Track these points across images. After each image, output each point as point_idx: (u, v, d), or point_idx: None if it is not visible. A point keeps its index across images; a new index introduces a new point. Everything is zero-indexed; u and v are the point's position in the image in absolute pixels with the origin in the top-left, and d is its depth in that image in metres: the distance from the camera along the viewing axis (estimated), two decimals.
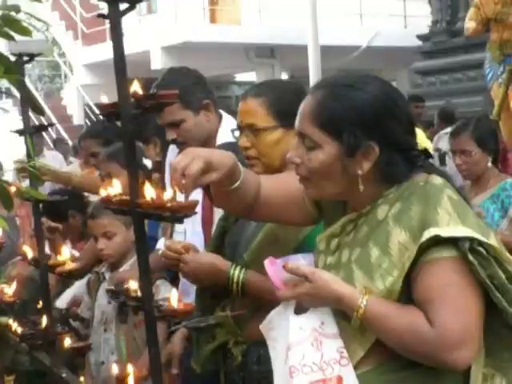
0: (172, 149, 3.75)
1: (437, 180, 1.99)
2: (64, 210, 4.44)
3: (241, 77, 20.02)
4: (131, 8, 1.93)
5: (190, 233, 3.40)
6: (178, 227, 3.53)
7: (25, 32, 2.05)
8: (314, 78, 12.38)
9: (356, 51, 16.07)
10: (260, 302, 2.61)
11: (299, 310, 2.07)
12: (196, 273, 2.73)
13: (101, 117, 2.26)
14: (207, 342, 2.85)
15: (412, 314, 1.91)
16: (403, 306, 1.93)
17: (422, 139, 1.97)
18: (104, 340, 3.62)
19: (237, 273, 2.66)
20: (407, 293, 1.94)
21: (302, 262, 2.05)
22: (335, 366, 1.98)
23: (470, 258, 1.87)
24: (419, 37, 12.17)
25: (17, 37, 2.15)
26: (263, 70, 17.09)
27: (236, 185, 2.18)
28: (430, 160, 2.14)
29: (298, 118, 2.08)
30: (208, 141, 3.38)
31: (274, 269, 2.05)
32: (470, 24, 7.64)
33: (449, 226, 1.88)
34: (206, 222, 3.32)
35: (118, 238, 3.62)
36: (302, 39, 12.64)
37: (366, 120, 1.98)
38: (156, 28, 15.42)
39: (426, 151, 2.13)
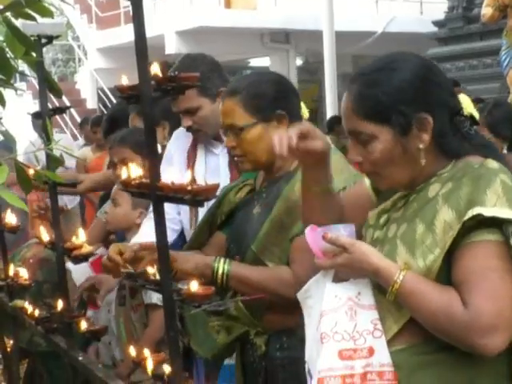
0: (176, 136, 3.72)
1: (492, 164, 1.98)
2: None
3: (255, 62, 19.96)
4: None
5: None
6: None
7: (46, 13, 2.04)
8: (328, 63, 12.34)
9: (371, 37, 15.99)
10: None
11: (337, 279, 2.06)
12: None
13: (114, 100, 2.25)
14: (226, 334, 2.84)
15: (448, 294, 1.90)
16: (440, 285, 1.92)
17: (467, 104, 1.96)
18: (109, 321, 3.65)
19: (221, 265, 2.65)
20: (448, 273, 1.93)
21: (342, 232, 2.04)
22: (368, 337, 1.99)
23: None
24: (435, 23, 12.09)
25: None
26: (278, 56, 17.04)
27: (330, 184, 2.23)
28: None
29: (342, 119, 2.08)
30: None
31: (314, 236, 2.05)
32: (486, 10, 7.61)
33: (494, 207, 1.87)
34: None
35: (120, 209, 3.70)
36: (317, 24, 12.61)
37: (408, 96, 1.99)
38: (171, 12, 15.37)
39: (472, 117, 2.12)
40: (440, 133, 2.00)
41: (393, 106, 1.98)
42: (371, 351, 1.98)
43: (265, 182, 2.82)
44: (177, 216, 3.58)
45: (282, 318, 2.63)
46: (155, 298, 3.38)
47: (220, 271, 2.65)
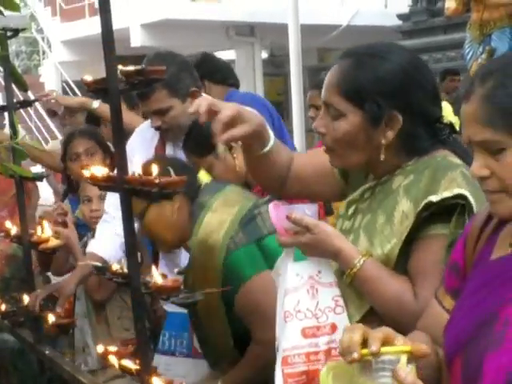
0: (138, 132, 3.72)
1: (456, 159, 2.00)
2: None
3: (220, 55, 19.91)
4: None
5: None
6: None
7: (14, 8, 2.03)
8: (293, 56, 12.34)
9: (336, 30, 16.03)
10: None
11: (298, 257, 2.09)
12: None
13: (79, 94, 2.24)
14: None
15: (401, 283, 1.94)
16: (397, 274, 1.96)
17: (448, 113, 1.96)
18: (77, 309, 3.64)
19: None
20: (405, 264, 1.96)
21: (306, 212, 2.06)
22: (329, 314, 2.00)
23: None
24: (399, 16, 12.17)
25: None
26: (243, 49, 17.02)
27: (267, 148, 2.19)
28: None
29: (323, 87, 2.08)
30: None
31: (278, 214, 2.06)
32: (450, 4, 7.63)
33: (445, 191, 1.89)
34: None
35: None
36: (283, 18, 12.57)
37: (390, 89, 1.99)
38: (136, 5, 15.28)
39: (451, 125, 2.13)
40: (407, 135, 2.01)
41: (371, 94, 1.99)
42: (334, 328, 2.00)
43: None
44: None
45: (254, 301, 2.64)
46: None
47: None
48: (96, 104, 4.35)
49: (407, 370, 1.43)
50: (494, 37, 7.34)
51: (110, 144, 4.13)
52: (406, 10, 12.14)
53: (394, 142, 2.02)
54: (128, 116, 4.17)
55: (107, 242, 3.24)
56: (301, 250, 2.06)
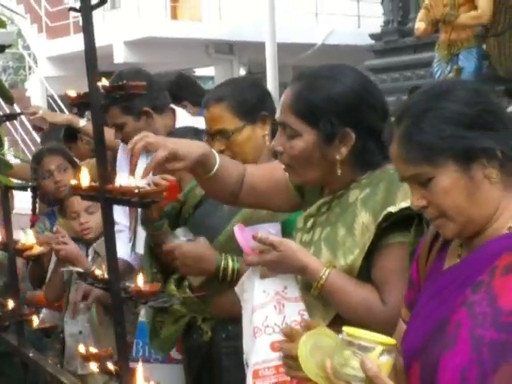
0: (121, 147, 3.73)
1: None
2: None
3: (200, 71, 19.94)
4: (102, 3, 1.94)
5: None
6: None
7: (0, 25, 2.04)
8: (270, 73, 12.40)
9: (311, 49, 16.10)
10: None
11: (264, 275, 2.11)
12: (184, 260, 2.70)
13: (64, 107, 2.27)
14: (171, 325, 2.86)
15: (368, 291, 1.97)
16: (361, 282, 1.98)
17: None
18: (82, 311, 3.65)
19: (230, 262, 2.65)
20: (369, 272, 1.99)
21: (270, 231, 2.09)
22: (296, 328, 2.03)
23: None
24: (372, 36, 12.21)
25: None
26: (222, 66, 17.06)
27: (212, 173, 2.23)
28: None
29: (279, 109, 2.12)
30: None
31: (244, 235, 2.09)
32: (419, 25, 7.70)
33: (402, 203, 1.93)
34: None
35: (98, 214, 3.66)
36: (260, 36, 12.65)
37: (342, 109, 2.03)
38: (119, 23, 15.31)
39: None
40: (360, 150, 2.06)
41: (324, 114, 2.03)
42: None
43: None
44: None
45: (229, 304, 2.63)
46: None
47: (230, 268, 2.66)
48: (83, 122, 4.35)
49: (380, 361, 1.46)
50: (461, 56, 7.42)
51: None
52: (378, 30, 12.18)
53: (347, 158, 2.06)
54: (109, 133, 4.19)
55: (127, 247, 3.38)
56: (267, 267, 2.09)
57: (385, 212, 1.95)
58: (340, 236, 2.03)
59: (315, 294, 2.01)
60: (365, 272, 2.00)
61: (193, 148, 2.16)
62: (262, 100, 2.78)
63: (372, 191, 2.02)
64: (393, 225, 1.96)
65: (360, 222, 2.00)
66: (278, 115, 2.13)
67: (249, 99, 2.73)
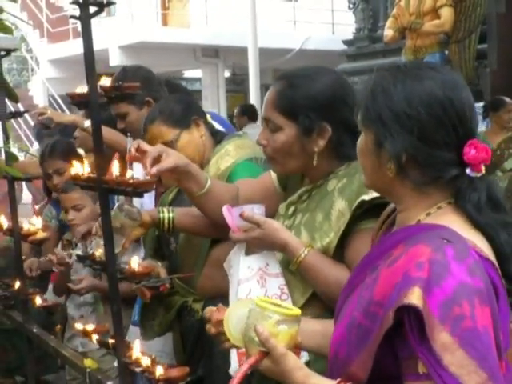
0: (129, 141, 3.74)
1: None
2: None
3: (188, 73, 19.92)
4: (100, 11, 1.95)
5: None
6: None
7: (7, 31, 2.05)
8: (252, 76, 12.42)
9: (290, 53, 16.11)
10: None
11: (249, 251, 2.14)
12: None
13: (64, 106, 2.28)
14: (166, 313, 2.86)
15: (341, 271, 1.98)
16: (336, 262, 2.01)
17: None
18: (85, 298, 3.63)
19: (166, 213, 2.57)
20: (342, 254, 2.02)
21: (255, 211, 2.12)
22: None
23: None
24: (345, 42, 12.24)
25: None
26: (208, 68, 17.06)
27: (205, 188, 2.31)
28: None
29: (263, 106, 2.14)
30: None
31: (232, 214, 2.12)
32: (388, 32, 7.73)
33: (375, 192, 1.94)
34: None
35: (86, 210, 3.66)
36: (243, 41, 12.65)
37: (319, 105, 2.05)
38: (114, 29, 15.24)
39: None
40: (336, 142, 2.08)
41: (303, 109, 2.05)
42: None
43: None
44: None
45: (213, 284, 2.65)
46: None
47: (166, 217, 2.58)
48: (87, 123, 4.34)
49: (277, 330, 1.47)
50: (425, 61, 7.46)
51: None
52: (350, 36, 12.21)
53: (325, 150, 2.08)
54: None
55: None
56: (252, 244, 2.11)
57: (359, 200, 1.97)
58: (318, 221, 2.05)
59: (293, 269, 2.03)
60: (339, 254, 2.02)
61: (181, 155, 2.30)
62: (189, 106, 2.83)
63: (348, 181, 2.04)
64: (366, 212, 1.98)
65: (336, 208, 2.02)
66: (263, 111, 2.15)
67: (176, 109, 2.77)
